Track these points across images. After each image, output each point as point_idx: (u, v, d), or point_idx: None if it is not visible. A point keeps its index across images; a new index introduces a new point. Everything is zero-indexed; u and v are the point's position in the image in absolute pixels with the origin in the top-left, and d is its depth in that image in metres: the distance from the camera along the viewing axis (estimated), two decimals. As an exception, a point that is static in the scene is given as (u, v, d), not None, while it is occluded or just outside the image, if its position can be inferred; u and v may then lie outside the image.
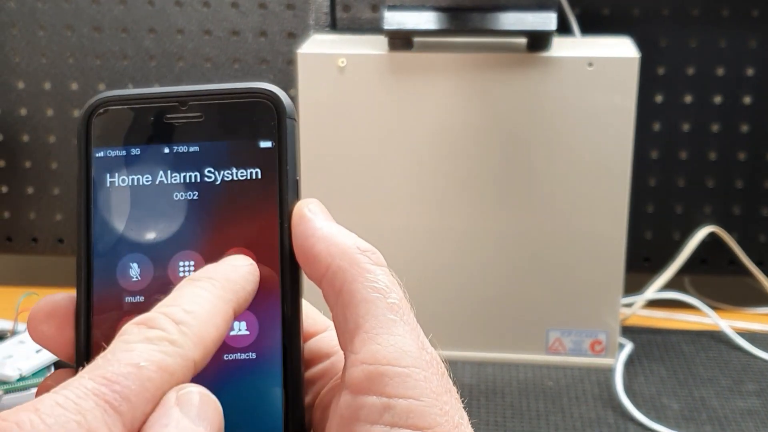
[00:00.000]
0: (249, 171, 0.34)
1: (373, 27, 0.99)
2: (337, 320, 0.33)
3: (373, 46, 0.87)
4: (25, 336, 0.87)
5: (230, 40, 1.04)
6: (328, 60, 0.85)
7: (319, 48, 0.87)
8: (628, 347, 0.91)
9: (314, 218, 0.34)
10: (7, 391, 0.78)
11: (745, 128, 1.01)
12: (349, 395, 0.32)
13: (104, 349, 0.30)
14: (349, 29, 1.01)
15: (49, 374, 0.34)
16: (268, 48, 1.03)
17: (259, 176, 0.34)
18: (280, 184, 0.34)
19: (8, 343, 0.85)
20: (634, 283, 0.97)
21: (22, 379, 0.80)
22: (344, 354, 0.33)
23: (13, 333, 0.88)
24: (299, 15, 1.03)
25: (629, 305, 0.96)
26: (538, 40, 0.84)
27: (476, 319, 0.89)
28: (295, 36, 1.02)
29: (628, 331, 0.94)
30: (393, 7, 0.85)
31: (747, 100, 1.00)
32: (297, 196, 0.35)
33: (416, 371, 0.31)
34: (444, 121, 0.86)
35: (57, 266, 1.13)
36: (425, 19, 0.85)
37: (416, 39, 0.87)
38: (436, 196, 0.87)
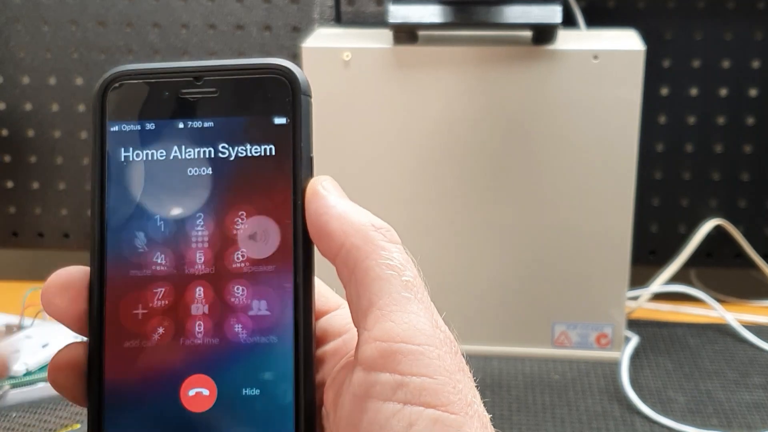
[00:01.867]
0: (263, 147, 0.34)
1: (378, 21, 0.99)
2: (351, 298, 0.33)
3: (378, 39, 0.86)
4: (32, 331, 0.87)
5: (235, 34, 1.04)
6: (333, 54, 0.85)
7: (323, 42, 0.87)
8: (634, 340, 0.91)
9: (328, 195, 0.34)
10: (14, 386, 0.79)
11: (751, 121, 1.01)
12: (362, 372, 0.32)
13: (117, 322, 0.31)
14: (354, 23, 1.01)
15: (63, 347, 0.34)
16: (272, 42, 1.03)
17: (273, 153, 0.34)
18: (294, 161, 0.34)
19: (15, 338, 0.85)
20: (639, 277, 0.97)
21: (28, 373, 0.80)
22: (357, 331, 0.33)
23: (20, 328, 0.88)
24: (304, 9, 1.02)
25: (635, 298, 0.96)
26: (543, 33, 0.84)
27: (482, 312, 0.89)
28: (300, 30, 1.02)
29: (634, 325, 0.94)
30: (398, 1, 0.85)
31: (753, 92, 1.00)
32: (311, 173, 0.35)
33: (430, 349, 0.31)
34: (449, 115, 0.85)
35: (63, 261, 1.12)
36: (430, 13, 0.85)
37: (421, 32, 0.86)
38: (440, 190, 0.87)
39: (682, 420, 0.78)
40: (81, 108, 1.07)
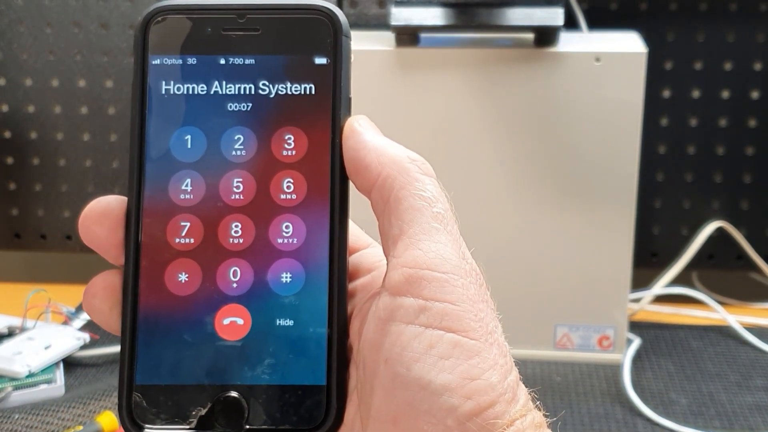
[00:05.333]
0: (303, 86, 0.35)
1: (380, 23, 0.99)
2: (383, 227, 0.34)
3: (380, 41, 0.87)
4: (34, 333, 0.87)
5: (237, 36, 1.04)
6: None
7: (326, 44, 0.87)
8: (636, 342, 0.91)
9: (364, 131, 0.35)
10: (16, 388, 0.79)
11: (752, 123, 1.01)
12: (388, 297, 0.33)
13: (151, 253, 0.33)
14: (356, 25, 1.01)
15: (99, 273, 0.35)
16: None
17: (313, 92, 0.35)
18: (334, 101, 0.35)
19: (17, 340, 0.85)
20: (641, 279, 0.97)
21: (30, 375, 0.80)
22: (386, 259, 0.34)
23: (22, 329, 0.89)
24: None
25: (637, 300, 0.96)
26: (545, 36, 0.84)
27: (484, 314, 0.89)
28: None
29: (636, 327, 0.94)
30: (400, 3, 0.85)
31: (755, 94, 1.00)
32: (348, 113, 0.35)
33: (454, 278, 0.32)
34: (451, 117, 0.86)
35: (65, 263, 1.13)
36: (432, 15, 0.85)
37: (423, 35, 0.86)
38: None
39: (684, 422, 0.78)
40: (83, 110, 1.07)
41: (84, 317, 0.95)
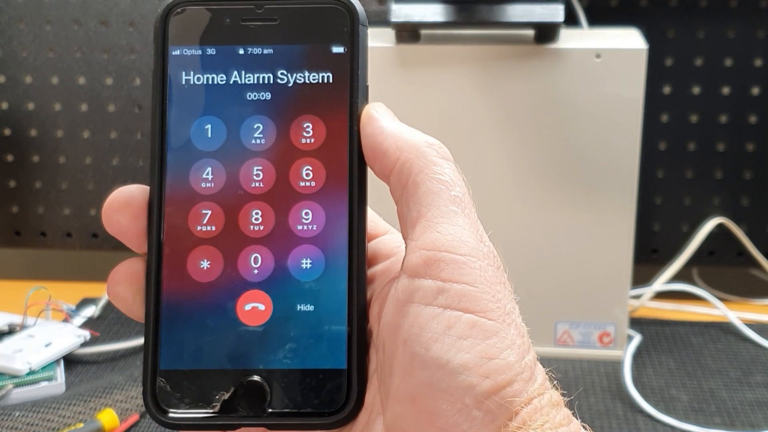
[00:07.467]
0: (321, 75, 0.36)
1: (380, 20, 0.99)
2: (402, 211, 0.35)
3: (381, 38, 0.86)
4: (35, 330, 0.87)
5: (237, 33, 1.04)
6: (335, 53, 0.85)
7: (326, 41, 0.87)
8: (637, 339, 0.91)
9: (382, 118, 0.36)
10: (17, 385, 0.79)
11: (753, 119, 1.01)
12: (407, 279, 0.33)
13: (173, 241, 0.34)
14: (356, 22, 1.01)
15: (122, 261, 0.35)
16: (274, 41, 1.03)
17: (331, 80, 0.36)
18: (351, 89, 0.36)
19: (18, 337, 0.85)
20: (642, 275, 0.97)
21: (31, 372, 0.80)
22: (405, 242, 0.34)
23: (23, 327, 0.89)
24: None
25: (637, 297, 0.96)
26: (545, 32, 0.84)
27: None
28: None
29: (637, 323, 0.94)
30: (400, 0, 0.85)
31: (755, 90, 1.00)
32: (366, 101, 0.36)
33: (472, 260, 0.33)
34: (451, 114, 0.85)
35: (65, 260, 1.13)
36: (432, 12, 0.85)
37: (423, 31, 0.86)
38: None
39: (684, 418, 0.78)
40: (83, 107, 1.07)
41: (84, 314, 0.95)
